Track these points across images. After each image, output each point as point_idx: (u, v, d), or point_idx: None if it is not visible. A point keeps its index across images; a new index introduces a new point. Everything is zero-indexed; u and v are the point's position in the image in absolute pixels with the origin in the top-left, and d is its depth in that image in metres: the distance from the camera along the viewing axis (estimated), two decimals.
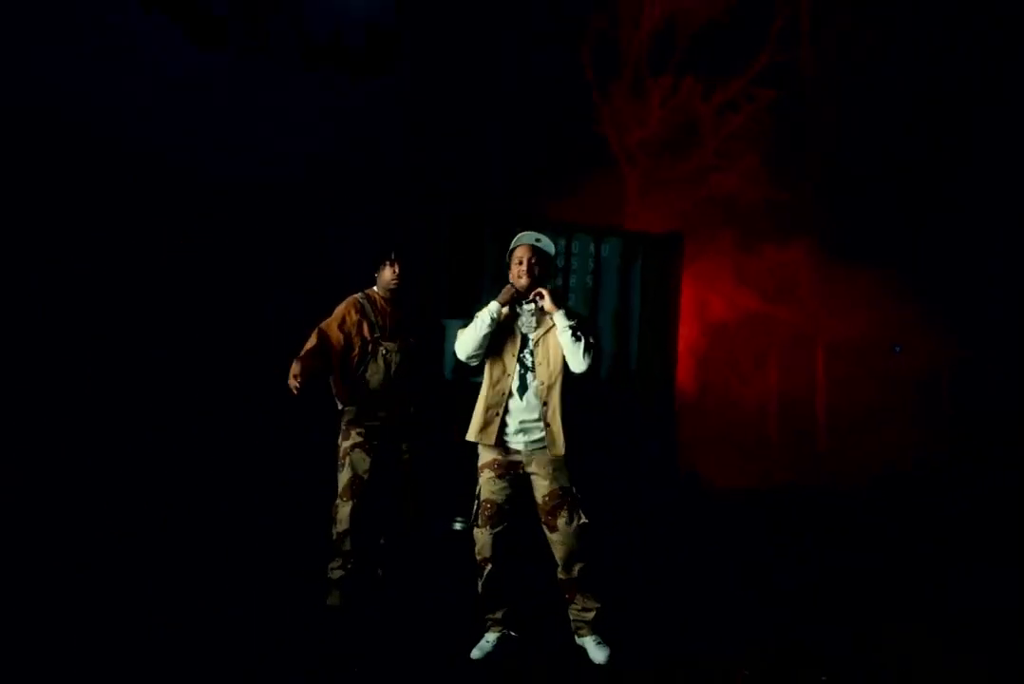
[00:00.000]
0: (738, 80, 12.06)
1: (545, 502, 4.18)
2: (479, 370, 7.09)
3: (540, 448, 4.20)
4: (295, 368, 4.57)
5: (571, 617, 4.31)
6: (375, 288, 5.05)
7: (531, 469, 4.24)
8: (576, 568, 4.22)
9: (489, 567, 4.23)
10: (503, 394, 4.21)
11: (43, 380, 7.21)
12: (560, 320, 4.18)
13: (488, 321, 4.19)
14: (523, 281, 4.24)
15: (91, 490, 6.78)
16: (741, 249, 11.90)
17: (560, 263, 7.75)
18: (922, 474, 9.92)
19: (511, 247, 4.33)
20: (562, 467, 4.20)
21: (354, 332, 4.93)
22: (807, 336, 11.84)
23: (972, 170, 11.76)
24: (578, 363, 4.11)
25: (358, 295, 5.03)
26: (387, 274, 4.99)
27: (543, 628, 4.51)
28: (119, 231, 7.89)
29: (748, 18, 11.91)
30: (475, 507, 4.29)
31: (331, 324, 4.90)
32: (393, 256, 4.98)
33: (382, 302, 5.04)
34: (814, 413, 11.61)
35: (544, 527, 4.21)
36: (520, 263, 4.26)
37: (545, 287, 4.26)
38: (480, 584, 4.27)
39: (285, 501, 6.51)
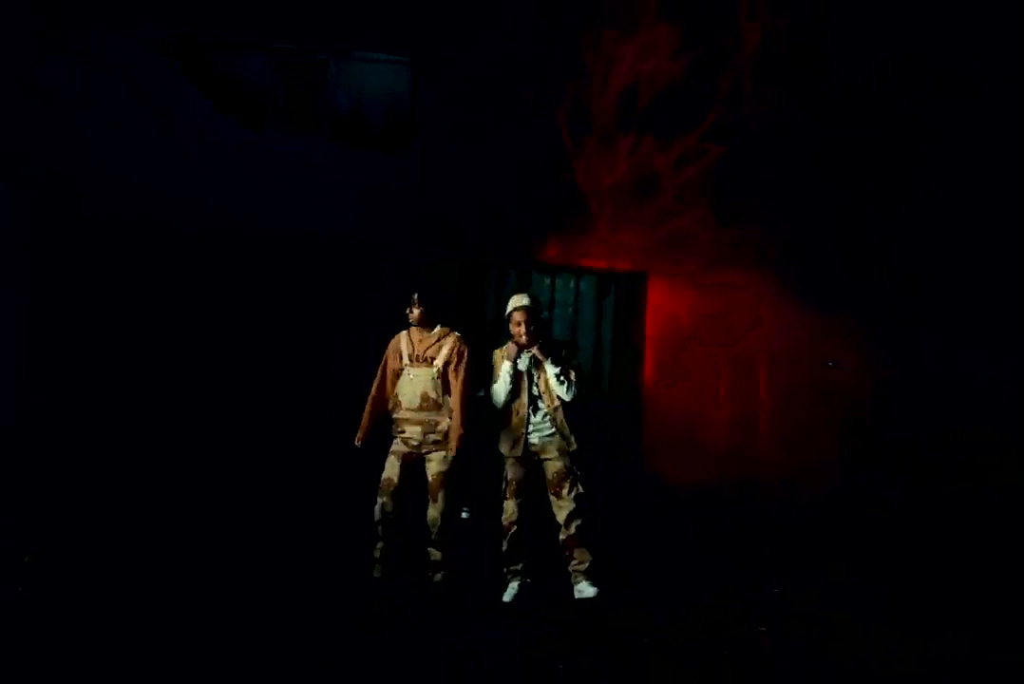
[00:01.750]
0: (691, 136, 13.20)
1: (554, 477, 5.65)
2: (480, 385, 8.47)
3: (550, 439, 5.73)
4: (360, 432, 5.81)
5: (570, 570, 5.67)
6: (411, 327, 6.09)
7: (544, 455, 5.72)
8: (574, 525, 5.61)
9: (514, 529, 5.61)
10: (523, 418, 5.70)
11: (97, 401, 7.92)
12: (548, 368, 5.58)
13: (508, 379, 5.64)
14: (524, 339, 5.64)
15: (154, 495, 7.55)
16: (694, 278, 12.70)
17: (546, 298, 9.15)
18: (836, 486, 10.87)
19: (508, 310, 5.60)
20: (567, 453, 5.74)
21: (395, 361, 6.03)
22: (748, 351, 12.68)
23: (908, 206, 12.93)
24: (565, 397, 5.62)
25: (403, 332, 6.05)
26: (414, 313, 5.96)
27: (549, 578, 5.77)
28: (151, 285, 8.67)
29: (700, 80, 13.10)
30: (503, 485, 5.74)
31: (388, 357, 6.02)
32: (416, 300, 5.96)
33: (416, 333, 6.01)
34: (757, 421, 12.56)
35: (552, 496, 5.61)
36: (519, 325, 5.61)
37: (537, 341, 5.57)
38: (505, 543, 5.61)
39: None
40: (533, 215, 11.42)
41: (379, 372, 6.00)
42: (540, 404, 5.55)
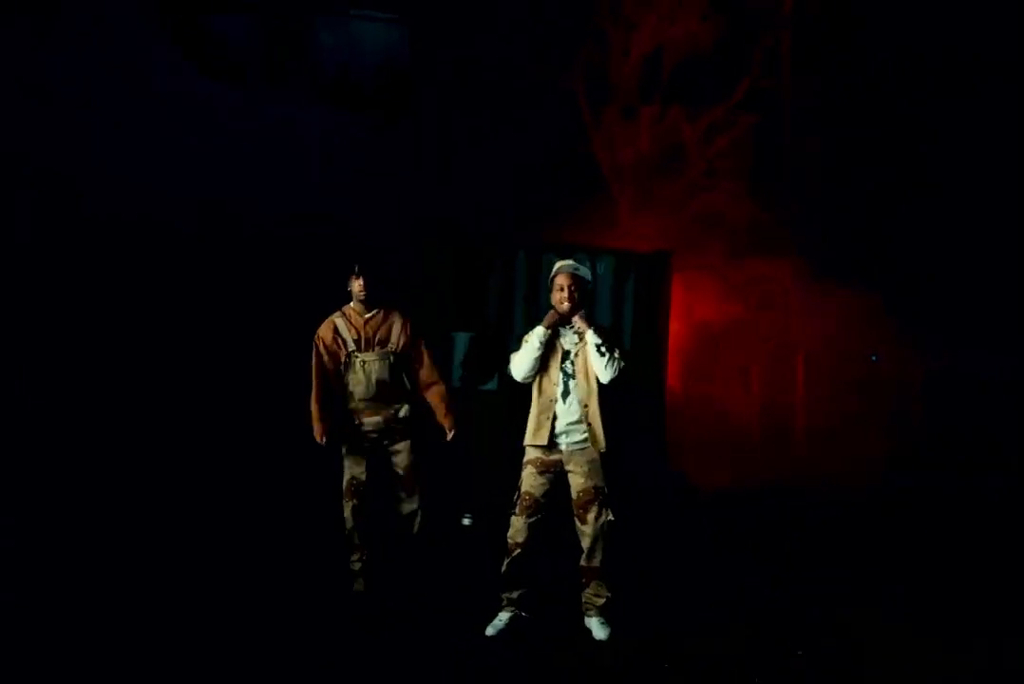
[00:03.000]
0: (722, 105, 12.46)
1: (579, 497, 4.66)
2: (486, 379, 7.58)
3: (580, 449, 4.70)
4: (316, 428, 5.16)
5: (583, 599, 4.76)
6: (351, 304, 5.30)
7: (570, 467, 4.72)
8: (597, 558, 4.70)
9: (518, 551, 4.68)
10: (551, 400, 4.70)
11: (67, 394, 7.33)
12: (590, 337, 4.68)
13: (537, 345, 4.66)
14: (565, 306, 4.71)
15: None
16: (727, 263, 12.19)
17: None
18: (887, 482, 10.14)
19: (552, 274, 4.80)
20: (598, 468, 4.70)
21: (334, 349, 5.25)
22: (788, 345, 12.14)
23: (950, 186, 12.17)
24: (603, 374, 4.62)
25: (335, 314, 5.30)
26: (355, 287, 5.23)
27: (552, 613, 4.92)
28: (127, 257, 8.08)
29: (732, 45, 12.34)
30: (515, 497, 4.76)
31: (318, 350, 5.25)
32: (357, 270, 5.22)
33: (355, 316, 5.27)
34: (794, 418, 11.94)
35: (575, 519, 4.69)
36: (562, 290, 4.71)
37: (580, 311, 4.74)
38: (505, 564, 4.72)
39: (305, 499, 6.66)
40: (544, 191, 10.71)
41: (314, 367, 5.26)
42: (572, 387, 4.68)
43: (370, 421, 5.21)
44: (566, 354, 4.74)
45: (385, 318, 5.24)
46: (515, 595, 4.77)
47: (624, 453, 6.95)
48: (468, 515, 7.04)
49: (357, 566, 5.19)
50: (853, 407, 11.83)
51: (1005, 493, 9.42)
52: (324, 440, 5.11)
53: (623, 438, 6.81)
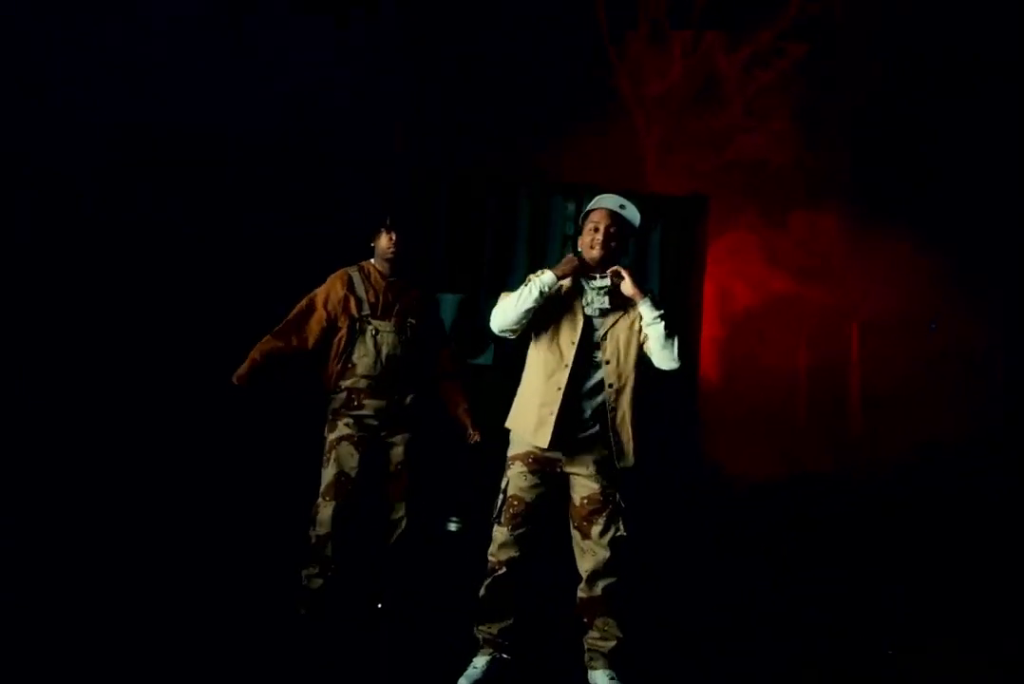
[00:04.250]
0: (766, 33, 11.34)
1: (583, 505, 3.79)
2: (479, 351, 6.42)
3: (588, 444, 3.79)
4: (243, 368, 4.48)
5: (585, 645, 3.88)
6: (372, 260, 4.71)
7: (572, 468, 3.83)
8: (601, 585, 3.78)
9: (501, 571, 3.86)
10: (559, 389, 3.72)
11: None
12: (647, 310, 3.69)
13: (536, 294, 3.69)
14: (596, 252, 3.75)
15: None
16: (768, 219, 11.38)
17: (569, 230, 7.19)
18: (962, 460, 9.44)
19: (586, 210, 3.85)
20: (610, 468, 3.80)
21: (340, 310, 4.58)
22: (839, 313, 11.21)
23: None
24: (669, 360, 3.68)
25: (351, 268, 4.69)
26: (383, 243, 4.64)
27: (544, 655, 4.13)
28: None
29: None
30: (499, 502, 3.90)
31: (316, 299, 4.62)
32: (389, 222, 4.62)
33: (377, 275, 4.68)
34: (847, 396, 10.93)
35: (575, 532, 3.83)
36: (596, 230, 3.76)
37: (622, 266, 3.76)
38: (484, 587, 3.91)
39: (265, 498, 6.04)
40: (555, 124, 9.45)
41: (293, 316, 4.63)
42: (597, 377, 3.74)
43: (371, 404, 4.61)
44: (589, 326, 3.77)
45: (407, 288, 4.72)
46: (495, 631, 3.91)
47: (650, 444, 6.33)
48: (455, 519, 6.37)
49: (317, 583, 4.46)
50: (915, 384, 10.77)
51: None
52: (244, 381, 4.46)
53: (646, 426, 6.34)
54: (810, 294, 11.25)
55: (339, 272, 4.65)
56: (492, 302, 6.60)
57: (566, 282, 3.80)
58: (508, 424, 3.91)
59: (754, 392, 10.26)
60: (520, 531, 3.82)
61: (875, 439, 10.51)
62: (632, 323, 3.72)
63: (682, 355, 3.67)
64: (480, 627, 3.94)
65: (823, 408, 10.82)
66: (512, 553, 3.85)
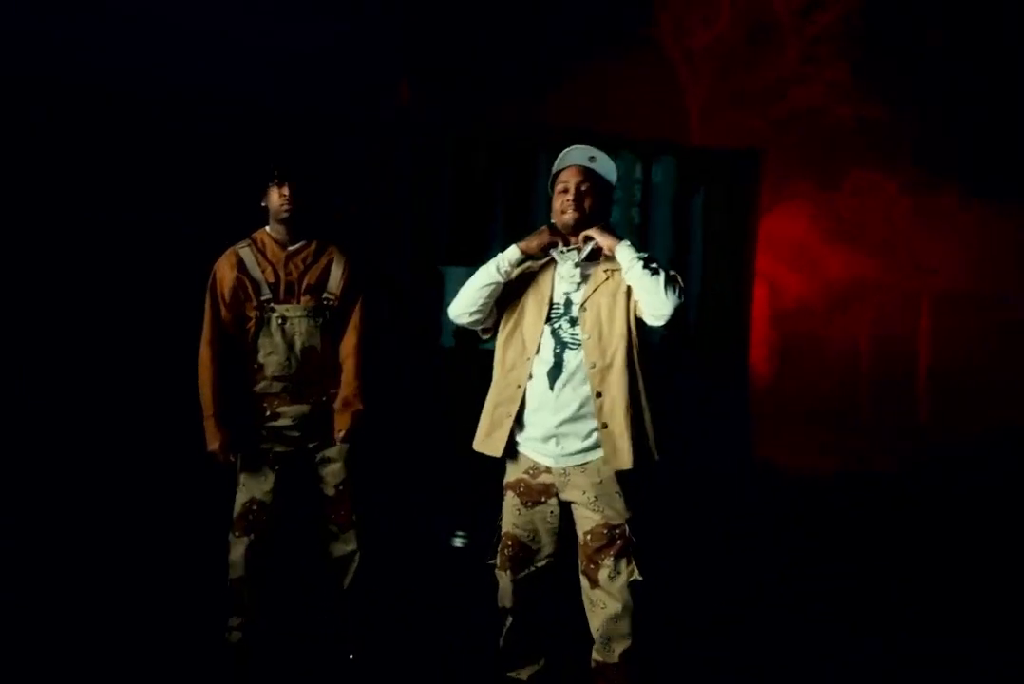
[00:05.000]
0: None
1: (587, 542, 3.27)
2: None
3: (579, 464, 3.24)
4: (212, 433, 3.78)
5: None
6: (267, 228, 3.94)
7: (567, 495, 3.31)
8: (618, 651, 3.24)
9: (511, 620, 3.43)
10: (519, 385, 3.27)
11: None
12: (625, 252, 3.20)
13: (495, 271, 3.28)
14: (568, 216, 3.29)
15: None
16: (824, 183, 10.74)
17: None
18: None
19: (554, 170, 3.41)
20: (614, 494, 3.23)
21: (237, 297, 3.84)
22: (905, 289, 10.52)
23: None
24: (661, 304, 3.10)
25: (239, 244, 3.92)
26: (275, 200, 3.84)
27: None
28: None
29: None
30: (494, 539, 3.49)
31: (214, 301, 3.89)
32: (277, 174, 3.83)
33: (273, 246, 3.88)
34: (913, 379, 10.22)
35: (583, 578, 3.30)
36: (565, 191, 3.34)
37: (599, 226, 3.29)
38: (502, 638, 3.48)
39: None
40: (585, 73, 8.64)
41: (207, 327, 3.93)
42: (570, 360, 3.24)
43: (289, 412, 3.91)
44: (565, 305, 3.32)
45: (318, 253, 3.96)
46: (524, 676, 3.51)
47: (688, 437, 6.18)
48: (461, 533, 5.79)
49: (236, 637, 3.88)
50: (988, 365, 10.11)
51: None
52: (227, 453, 3.81)
53: (687, 417, 6.37)
54: (871, 268, 10.62)
55: (225, 254, 3.90)
56: None
57: (535, 263, 3.36)
58: (474, 444, 3.41)
59: (808, 379, 9.77)
60: (523, 574, 3.30)
61: (944, 426, 9.81)
62: (617, 286, 3.21)
63: (680, 297, 3.09)
64: (508, 674, 3.52)
65: (887, 394, 10.15)
66: (517, 600, 3.38)
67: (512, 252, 3.23)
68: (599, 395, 3.13)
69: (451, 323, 6.12)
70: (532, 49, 8.31)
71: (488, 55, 8.04)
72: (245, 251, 3.81)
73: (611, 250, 3.17)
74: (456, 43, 7.81)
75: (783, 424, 8.72)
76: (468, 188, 6.41)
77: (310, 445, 3.88)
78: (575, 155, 3.29)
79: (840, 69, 10.37)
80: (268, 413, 3.81)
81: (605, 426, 3.13)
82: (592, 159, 3.27)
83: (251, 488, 3.84)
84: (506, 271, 3.23)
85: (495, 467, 3.75)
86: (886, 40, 10.53)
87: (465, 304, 3.31)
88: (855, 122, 10.29)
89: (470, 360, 5.80)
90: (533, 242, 3.26)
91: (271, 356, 3.83)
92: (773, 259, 9.28)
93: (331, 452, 3.89)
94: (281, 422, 3.84)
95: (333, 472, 3.90)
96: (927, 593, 5.03)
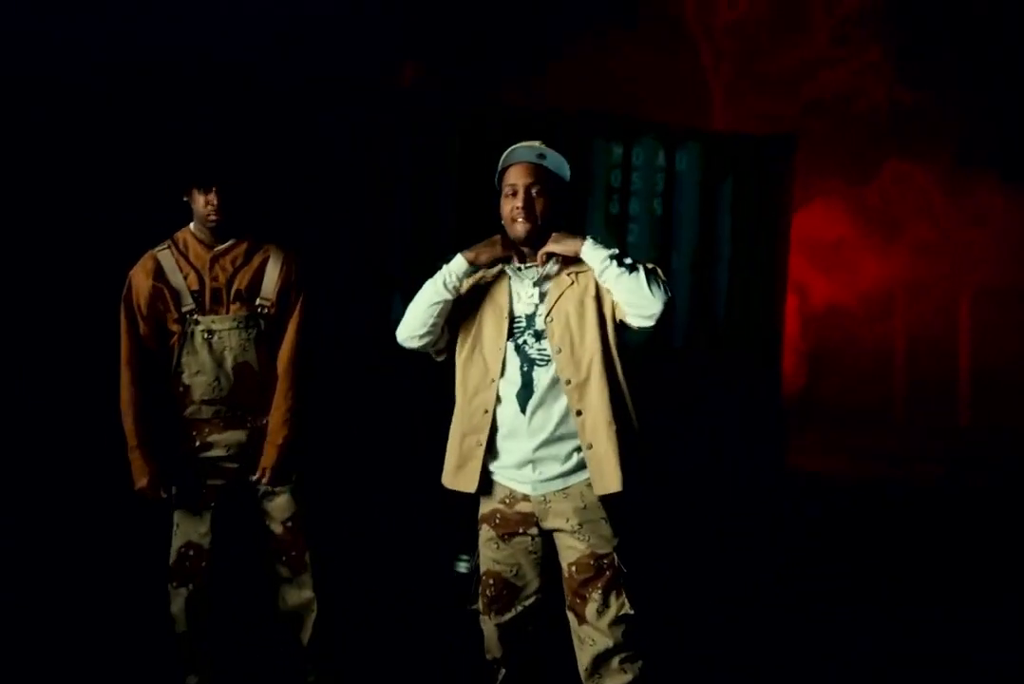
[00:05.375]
0: None
1: (571, 575, 2.99)
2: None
3: (560, 489, 2.94)
4: (138, 468, 3.34)
5: None
6: (191, 226, 3.48)
7: (549, 523, 2.99)
8: None
9: (502, 672, 3.11)
10: (486, 410, 2.95)
11: None
12: (593, 253, 2.88)
13: (442, 286, 2.96)
14: (520, 226, 2.92)
15: None
16: (854, 173, 10.37)
17: (616, 180, 6.37)
18: None
19: (499, 167, 3.06)
20: (599, 519, 2.94)
21: (156, 307, 3.39)
22: (944, 285, 10.13)
23: None
24: (648, 302, 2.82)
25: (158, 247, 3.46)
26: (199, 205, 3.36)
27: None
28: None
29: None
30: (473, 582, 3.22)
31: (130, 314, 3.44)
32: (203, 176, 3.37)
33: (197, 247, 3.42)
34: (953, 381, 9.86)
35: (570, 615, 3.03)
36: (514, 194, 2.96)
37: (554, 236, 2.94)
38: None
39: None
40: (597, 50, 8.31)
41: (125, 345, 3.43)
42: (540, 379, 2.90)
43: (222, 440, 3.43)
44: (522, 319, 3.01)
45: (251, 253, 3.47)
46: None
47: (713, 444, 6.45)
48: (465, 557, 4.80)
49: None
50: None
51: None
52: (157, 490, 3.36)
53: (710, 422, 6.40)
54: (906, 266, 10.26)
55: (143, 259, 3.45)
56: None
57: (489, 271, 3.03)
58: (443, 479, 3.09)
59: (842, 382, 9.45)
60: (509, 617, 3.01)
61: (986, 428, 9.46)
62: (584, 290, 2.93)
63: (663, 288, 2.81)
64: None
65: (926, 395, 9.82)
66: (507, 648, 3.06)
67: (459, 264, 2.90)
68: (579, 413, 2.86)
69: None
70: (539, 25, 7.98)
71: (493, 33, 7.70)
72: (164, 254, 3.38)
73: (576, 254, 2.87)
74: (460, 20, 7.46)
75: (815, 428, 8.47)
76: (475, 172, 5.67)
77: (251, 477, 3.42)
78: (521, 152, 2.94)
79: (872, 51, 9.99)
80: (198, 443, 3.39)
81: (590, 446, 2.86)
82: (541, 156, 2.90)
83: (186, 530, 3.44)
84: (455, 286, 2.91)
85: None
86: (920, 20, 10.11)
87: (413, 326, 2.98)
88: (889, 108, 9.98)
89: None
90: (483, 254, 2.90)
91: (198, 376, 3.38)
92: (800, 258, 8.95)
93: (276, 491, 3.47)
94: (214, 452, 3.41)
95: (279, 506, 3.45)
96: (957, 597, 4.90)
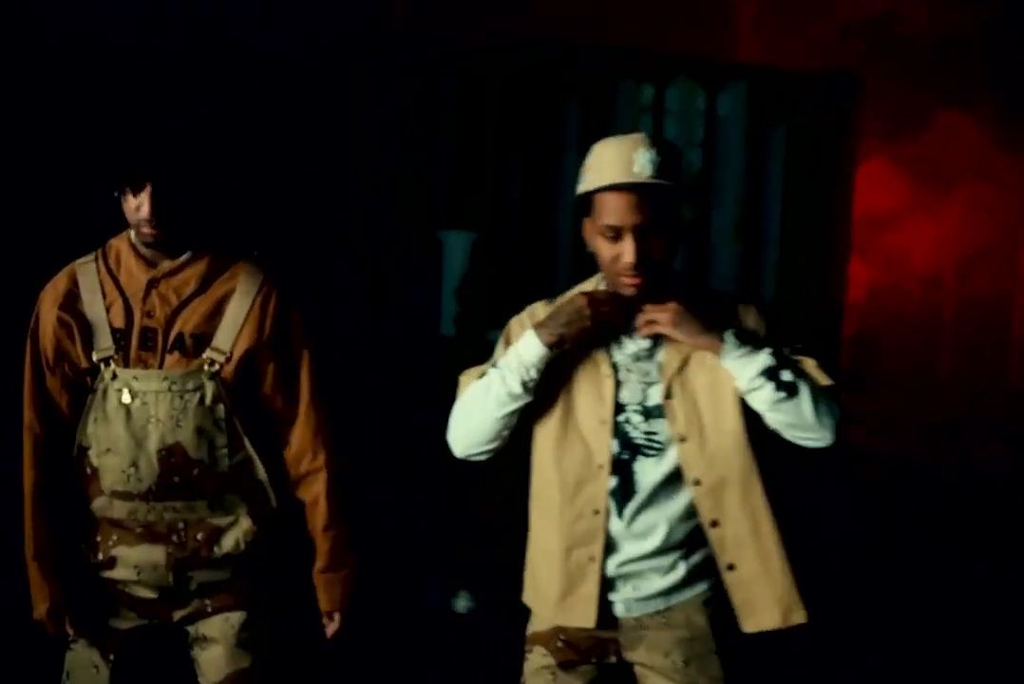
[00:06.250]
0: None
1: None
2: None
3: (660, 611, 2.19)
4: (38, 588, 2.37)
5: None
6: (131, 233, 2.35)
7: (636, 656, 2.21)
8: None
9: None
10: (597, 511, 2.18)
11: None
12: (736, 364, 2.04)
13: (519, 388, 2.09)
14: (629, 281, 2.04)
15: None
16: (896, 119, 8.93)
17: (646, 128, 5.64)
18: None
19: (583, 189, 2.09)
20: (710, 653, 2.17)
21: (71, 353, 2.31)
22: (993, 243, 9.11)
23: None
24: (812, 433, 2.04)
25: (83, 259, 2.41)
26: (128, 210, 2.22)
27: None
28: None
29: None
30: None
31: (35, 358, 2.42)
32: (135, 175, 2.19)
33: (134, 262, 2.30)
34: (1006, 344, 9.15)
35: None
36: (615, 237, 2.02)
37: (672, 305, 2.06)
38: None
39: None
40: None
41: (28, 393, 2.32)
42: (645, 471, 2.02)
43: (130, 557, 2.36)
44: (634, 396, 2.16)
45: (210, 277, 2.32)
46: None
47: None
48: (464, 594, 4.90)
49: None
50: None
51: None
52: (61, 622, 2.35)
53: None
54: (957, 221, 9.10)
55: (58, 276, 2.50)
56: (520, 246, 5.55)
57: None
58: (524, 598, 2.38)
59: (889, 344, 8.58)
60: None
61: None
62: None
63: (833, 414, 2.06)
64: None
65: (974, 362, 9.16)
66: None
67: (533, 351, 2.11)
68: (714, 524, 2.15)
69: (451, 302, 5.44)
70: None
71: None
72: (86, 269, 2.35)
73: (704, 348, 2.13)
74: None
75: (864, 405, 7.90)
76: (474, 133, 5.33)
77: (176, 615, 2.43)
78: (619, 164, 2.02)
79: None
80: (101, 555, 2.40)
81: (731, 567, 2.16)
82: (654, 161, 1.98)
83: (80, 681, 2.48)
84: (533, 384, 2.13)
85: (506, 504, 3.07)
86: None
87: (479, 439, 2.24)
88: (931, 34, 8.98)
89: (473, 351, 5.22)
90: (571, 329, 2.09)
91: (108, 456, 2.33)
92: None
93: (211, 630, 2.43)
94: (119, 573, 2.38)
95: (213, 660, 2.44)
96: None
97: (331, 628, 2.42)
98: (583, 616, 2.16)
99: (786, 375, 2.00)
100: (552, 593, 2.22)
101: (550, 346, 2.05)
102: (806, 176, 5.99)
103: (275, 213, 4.24)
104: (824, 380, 2.03)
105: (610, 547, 2.18)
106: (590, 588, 2.16)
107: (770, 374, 1.99)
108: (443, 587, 5.06)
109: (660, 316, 2.05)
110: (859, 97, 5.95)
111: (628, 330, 2.16)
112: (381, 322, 4.88)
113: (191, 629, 2.35)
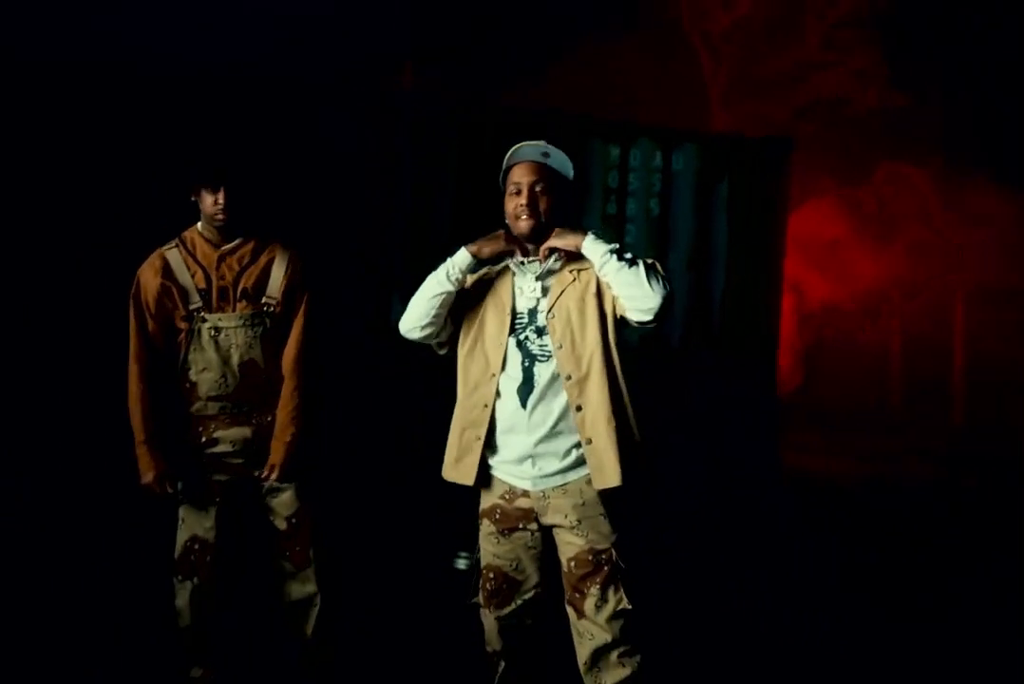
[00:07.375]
0: None
1: (571, 570, 3.00)
2: None
3: (559, 485, 2.95)
4: (145, 463, 3.33)
5: None
6: (199, 225, 3.48)
7: (548, 519, 3.00)
8: (610, 681, 2.97)
9: (502, 665, 3.15)
10: (486, 405, 2.97)
11: None
12: (593, 248, 2.91)
13: (445, 278, 2.99)
14: (524, 223, 3.00)
15: None
16: (852, 173, 10.35)
17: (613, 181, 6.35)
18: None
19: (504, 166, 3.12)
20: (598, 515, 2.94)
21: (165, 306, 3.41)
22: (937, 286, 10.12)
23: None
24: (647, 297, 2.83)
25: (167, 245, 3.48)
26: (207, 204, 3.38)
27: None
28: None
29: None
30: (474, 576, 3.22)
31: (139, 312, 3.46)
32: (212, 175, 3.36)
33: (205, 246, 3.43)
34: (947, 377, 9.84)
35: (569, 609, 3.04)
36: (518, 193, 3.03)
37: (556, 231, 2.99)
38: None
39: None
40: (592, 51, 8.15)
41: (134, 343, 3.44)
42: (541, 374, 2.92)
43: (227, 436, 3.43)
44: (524, 315, 3.04)
45: (257, 252, 3.49)
46: None
47: (709, 444, 6.46)
48: (464, 554, 5.27)
49: None
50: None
51: None
52: (164, 485, 3.36)
53: (707, 422, 6.39)
54: (903, 266, 10.19)
55: (150, 258, 3.47)
56: None
57: (492, 267, 3.09)
58: (443, 472, 3.12)
59: (838, 383, 9.41)
60: (509, 610, 3.03)
61: (980, 429, 9.42)
62: (585, 286, 2.96)
63: (662, 283, 2.81)
64: None
65: (920, 396, 9.74)
66: (506, 641, 3.09)
67: (463, 257, 2.93)
68: (579, 408, 2.86)
69: None
70: (539, 28, 7.74)
71: (492, 35, 7.48)
72: (172, 253, 3.38)
73: (578, 248, 2.90)
74: (460, 22, 7.29)
75: (812, 429, 8.42)
76: (473, 174, 5.90)
77: (256, 473, 3.44)
78: (526, 151, 2.99)
79: (864, 55, 9.93)
80: (204, 438, 3.40)
81: (589, 441, 2.86)
82: (546, 154, 2.95)
83: (191, 525, 3.45)
84: (458, 278, 2.94)
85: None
86: (913, 24, 10.01)
87: (415, 317, 3.01)
88: (882, 111, 9.86)
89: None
90: (486, 248, 2.94)
91: (204, 373, 3.39)
92: (796, 259, 8.88)
93: (280, 488, 3.48)
94: (220, 448, 3.41)
95: (284, 503, 3.46)
96: (949, 598, 4.84)
97: (273, 475, 3.29)
98: (467, 477, 2.94)
99: (627, 255, 2.78)
100: (450, 459, 2.98)
101: (472, 254, 2.87)
102: (746, 221, 6.55)
103: (313, 237, 4.93)
104: (652, 261, 2.80)
105: (513, 433, 2.89)
106: (474, 458, 2.92)
107: (616, 252, 2.77)
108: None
109: (552, 241, 2.85)
110: (790, 157, 6.55)
111: (522, 263, 2.94)
112: (394, 325, 5.34)
113: (269, 485, 3.33)
